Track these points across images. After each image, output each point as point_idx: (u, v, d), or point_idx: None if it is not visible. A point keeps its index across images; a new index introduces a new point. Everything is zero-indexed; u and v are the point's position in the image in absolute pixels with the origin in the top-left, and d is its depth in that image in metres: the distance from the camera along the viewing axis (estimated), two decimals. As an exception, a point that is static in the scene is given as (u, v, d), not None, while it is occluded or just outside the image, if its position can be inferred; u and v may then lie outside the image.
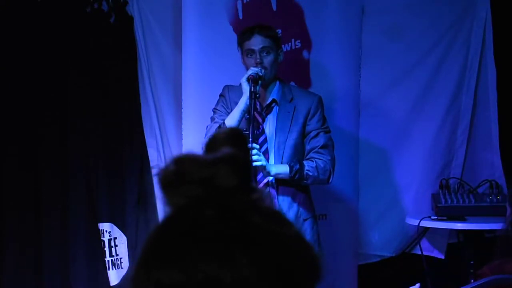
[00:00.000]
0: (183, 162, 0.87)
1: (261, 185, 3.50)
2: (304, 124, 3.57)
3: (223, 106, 3.58)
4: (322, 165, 3.51)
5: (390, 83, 4.45)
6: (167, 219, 0.88)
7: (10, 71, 4.23)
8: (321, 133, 3.56)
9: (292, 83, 3.98)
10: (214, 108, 3.61)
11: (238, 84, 3.57)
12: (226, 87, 3.64)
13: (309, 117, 3.56)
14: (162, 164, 0.83)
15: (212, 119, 3.57)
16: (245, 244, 0.83)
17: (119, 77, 4.34)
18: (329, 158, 3.54)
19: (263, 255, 0.83)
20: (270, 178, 3.51)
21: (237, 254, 0.82)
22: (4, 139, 4.23)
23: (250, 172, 0.90)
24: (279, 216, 0.89)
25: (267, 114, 3.56)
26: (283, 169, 3.46)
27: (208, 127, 3.55)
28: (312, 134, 3.56)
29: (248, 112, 3.38)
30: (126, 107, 4.36)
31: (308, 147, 3.56)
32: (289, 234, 0.87)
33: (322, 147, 3.54)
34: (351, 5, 4.30)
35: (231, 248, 0.82)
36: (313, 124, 3.56)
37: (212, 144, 0.93)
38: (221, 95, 3.63)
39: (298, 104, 3.56)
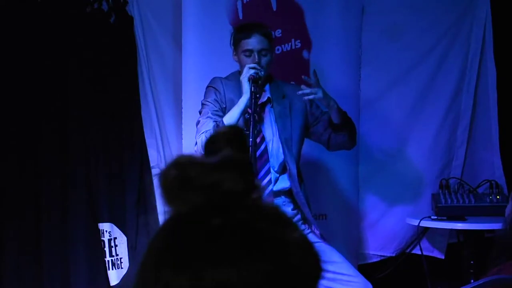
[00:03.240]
0: (185, 166, 0.85)
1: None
2: (306, 117, 3.60)
3: (216, 100, 3.52)
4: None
5: (390, 83, 4.45)
6: (172, 223, 0.87)
7: (10, 71, 4.23)
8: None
9: (293, 83, 3.98)
10: (205, 100, 3.54)
11: (227, 76, 3.56)
12: (218, 79, 3.59)
13: (308, 108, 3.61)
14: (162, 165, 0.83)
15: (205, 113, 3.50)
16: (252, 250, 0.83)
17: (119, 77, 4.33)
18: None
19: (269, 259, 0.83)
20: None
21: (244, 260, 0.82)
22: (4, 139, 4.23)
23: (253, 172, 0.89)
24: (282, 218, 0.89)
25: (261, 113, 3.56)
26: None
27: (200, 123, 3.48)
28: (322, 118, 3.63)
29: (247, 111, 3.39)
30: (126, 107, 4.36)
31: (321, 129, 3.64)
32: (293, 237, 0.87)
33: None
34: (351, 5, 4.30)
35: (238, 254, 0.83)
36: (315, 112, 3.62)
37: (212, 144, 0.91)
38: (213, 88, 3.56)
39: (293, 100, 3.57)
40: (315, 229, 3.55)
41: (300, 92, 3.48)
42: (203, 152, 2.97)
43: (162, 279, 0.84)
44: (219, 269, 0.82)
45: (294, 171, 3.53)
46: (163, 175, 0.86)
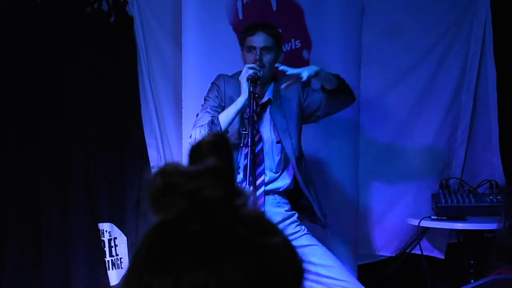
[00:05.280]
0: (169, 174, 0.89)
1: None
2: (300, 103, 3.59)
3: (217, 97, 3.54)
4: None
5: (390, 83, 4.45)
6: (156, 229, 0.91)
7: (10, 71, 4.23)
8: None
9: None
10: (207, 96, 3.57)
11: (232, 74, 3.56)
12: (222, 77, 3.59)
13: (304, 97, 3.59)
14: (160, 165, 0.86)
15: (205, 107, 3.53)
16: (229, 254, 0.86)
17: (119, 77, 4.34)
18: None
19: (247, 264, 0.86)
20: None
21: (222, 264, 0.86)
22: (4, 139, 4.23)
23: (234, 179, 0.92)
24: (263, 224, 0.92)
25: (261, 113, 3.55)
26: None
27: (199, 116, 3.51)
28: (315, 102, 3.59)
29: (246, 111, 3.39)
30: (126, 107, 4.36)
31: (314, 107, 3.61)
32: (272, 242, 0.90)
33: None
34: (351, 5, 4.30)
35: (216, 258, 0.86)
36: (311, 97, 3.59)
37: (196, 152, 0.93)
38: (215, 84, 3.58)
39: (284, 91, 3.55)
40: (326, 226, 3.57)
41: (283, 85, 3.45)
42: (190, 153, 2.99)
43: (145, 282, 0.88)
44: (198, 272, 0.85)
45: (293, 159, 3.53)
46: (150, 183, 0.89)
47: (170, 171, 0.89)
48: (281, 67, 3.41)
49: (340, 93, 3.56)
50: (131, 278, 0.90)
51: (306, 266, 0.93)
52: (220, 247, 0.86)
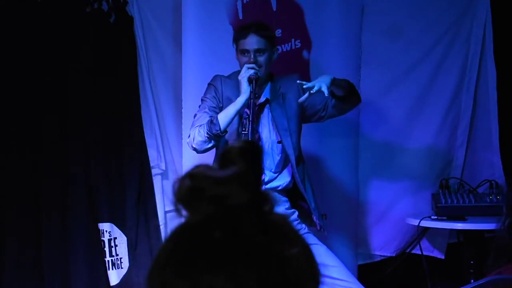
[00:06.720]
0: (197, 178, 0.90)
1: None
2: (301, 107, 3.58)
3: (214, 97, 3.55)
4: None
5: (390, 83, 4.45)
6: (180, 232, 0.92)
7: (10, 71, 4.23)
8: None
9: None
10: (205, 97, 3.58)
11: (229, 74, 3.56)
12: (219, 78, 3.61)
13: (301, 94, 3.57)
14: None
15: (202, 108, 3.54)
16: (248, 262, 0.87)
17: (119, 77, 4.34)
18: None
19: (264, 272, 0.87)
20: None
21: (240, 271, 0.87)
22: (4, 139, 4.23)
23: (261, 186, 0.93)
24: (284, 231, 0.93)
25: (259, 114, 3.55)
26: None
27: (197, 116, 3.52)
28: (319, 103, 3.58)
29: (245, 111, 3.39)
30: (126, 107, 4.36)
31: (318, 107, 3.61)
32: (291, 252, 0.90)
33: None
34: (351, 5, 4.30)
35: (233, 265, 0.87)
36: (312, 97, 3.52)
37: (226, 156, 0.94)
38: (212, 85, 3.59)
39: (286, 90, 3.56)
40: (323, 228, 3.56)
41: (301, 99, 3.44)
42: (194, 146, 3.07)
43: (166, 282, 0.89)
44: (215, 277, 0.86)
45: (293, 157, 3.53)
46: (178, 184, 0.91)
47: (198, 174, 0.90)
48: (305, 86, 3.40)
49: (349, 98, 3.57)
50: (153, 277, 0.92)
51: (324, 272, 0.93)
52: (237, 254, 0.87)
